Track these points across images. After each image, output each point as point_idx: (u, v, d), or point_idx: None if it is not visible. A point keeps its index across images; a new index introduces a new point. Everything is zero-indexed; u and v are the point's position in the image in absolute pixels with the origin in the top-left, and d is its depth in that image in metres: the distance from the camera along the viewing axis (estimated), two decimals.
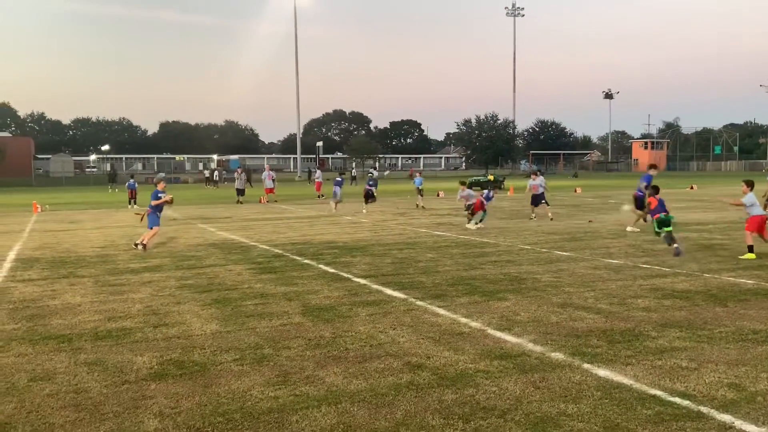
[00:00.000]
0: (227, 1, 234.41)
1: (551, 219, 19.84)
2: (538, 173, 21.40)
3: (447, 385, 5.40)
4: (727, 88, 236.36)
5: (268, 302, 8.76)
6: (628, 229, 16.72)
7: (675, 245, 12.35)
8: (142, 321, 7.85)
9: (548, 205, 20.93)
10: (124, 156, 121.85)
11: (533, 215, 20.74)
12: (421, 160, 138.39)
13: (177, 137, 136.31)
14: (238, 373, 5.82)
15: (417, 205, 26.75)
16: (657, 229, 12.72)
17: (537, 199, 20.59)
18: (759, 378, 5.42)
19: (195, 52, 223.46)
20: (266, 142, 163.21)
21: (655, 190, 13.25)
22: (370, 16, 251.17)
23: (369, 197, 25.63)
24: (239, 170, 37.31)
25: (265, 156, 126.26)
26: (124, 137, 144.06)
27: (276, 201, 32.45)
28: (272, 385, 5.47)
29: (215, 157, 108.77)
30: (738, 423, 4.52)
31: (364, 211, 24.76)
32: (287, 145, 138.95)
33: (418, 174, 30.31)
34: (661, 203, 12.83)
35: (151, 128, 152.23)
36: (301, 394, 5.24)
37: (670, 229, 12.56)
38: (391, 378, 5.59)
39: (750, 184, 12.48)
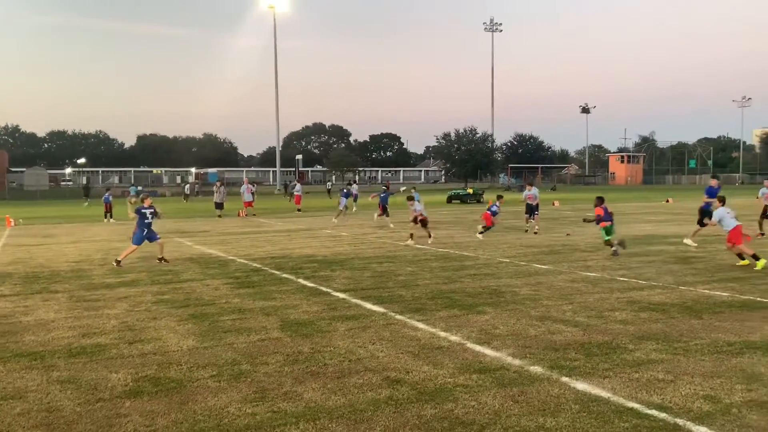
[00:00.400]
0: (206, 14, 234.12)
1: (535, 233, 19.96)
2: (532, 184, 21.80)
3: (426, 400, 5.38)
4: (701, 103, 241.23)
5: (245, 317, 8.68)
6: (686, 241, 16.43)
7: (614, 248, 14.24)
8: (117, 337, 7.72)
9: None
10: (100, 169, 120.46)
11: (528, 226, 20.89)
12: (401, 173, 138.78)
13: (155, 150, 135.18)
14: (215, 389, 5.74)
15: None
16: (607, 237, 14.49)
17: (532, 210, 20.77)
18: (734, 390, 5.48)
19: (173, 65, 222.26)
20: (245, 155, 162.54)
21: (601, 200, 14.83)
22: (350, 29, 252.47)
23: (384, 210, 25.20)
24: (218, 184, 37.06)
25: (244, 169, 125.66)
26: (101, 150, 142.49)
27: (255, 215, 32.28)
28: (250, 401, 5.41)
29: (193, 170, 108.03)
30: None
31: (391, 224, 24.11)
32: (266, 158, 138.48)
33: (412, 189, 30.15)
34: (606, 212, 14.50)
35: (129, 141, 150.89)
36: (279, 411, 5.18)
37: (612, 234, 14.52)
38: (370, 393, 5.56)
39: (722, 200, 13.16)
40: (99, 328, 8.18)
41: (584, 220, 16.70)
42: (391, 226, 23.95)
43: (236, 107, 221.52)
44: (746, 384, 5.62)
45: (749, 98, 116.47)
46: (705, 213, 16.84)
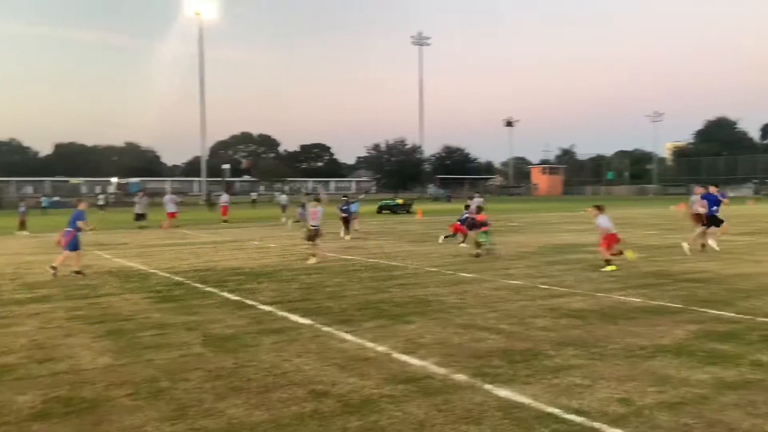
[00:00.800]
0: (129, 19, 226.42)
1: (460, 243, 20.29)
2: (472, 197, 21.78)
3: (351, 412, 5.34)
4: (617, 118, 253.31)
5: (166, 332, 8.39)
6: (685, 245, 16.34)
7: (478, 250, 16.33)
8: (25, 356, 7.29)
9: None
10: (13, 179, 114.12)
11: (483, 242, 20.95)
12: (332, 183, 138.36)
13: (73, 159, 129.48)
14: (132, 408, 5.51)
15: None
16: (482, 239, 16.55)
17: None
18: (646, 392, 5.72)
19: (94, 70, 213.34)
20: (169, 165, 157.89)
21: (479, 209, 17.61)
22: (278, 38, 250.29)
23: (346, 222, 24.46)
24: (140, 194, 35.83)
25: (168, 179, 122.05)
26: (13, 159, 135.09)
27: (179, 226, 31.38)
28: (168, 419, 5.21)
29: (114, 180, 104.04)
30: None
31: (346, 237, 23.14)
32: (192, 168, 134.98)
33: (360, 196, 29.86)
34: (484, 219, 16.89)
35: (45, 150, 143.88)
36: (200, 429, 5.02)
37: (489, 239, 16.81)
38: (294, 407, 5.47)
39: (599, 208, 14.62)
40: (6, 347, 7.71)
41: (472, 229, 18.36)
42: (346, 237, 23.33)
43: (160, 115, 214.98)
44: (657, 386, 5.88)
45: (661, 113, 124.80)
46: (711, 219, 16.83)
